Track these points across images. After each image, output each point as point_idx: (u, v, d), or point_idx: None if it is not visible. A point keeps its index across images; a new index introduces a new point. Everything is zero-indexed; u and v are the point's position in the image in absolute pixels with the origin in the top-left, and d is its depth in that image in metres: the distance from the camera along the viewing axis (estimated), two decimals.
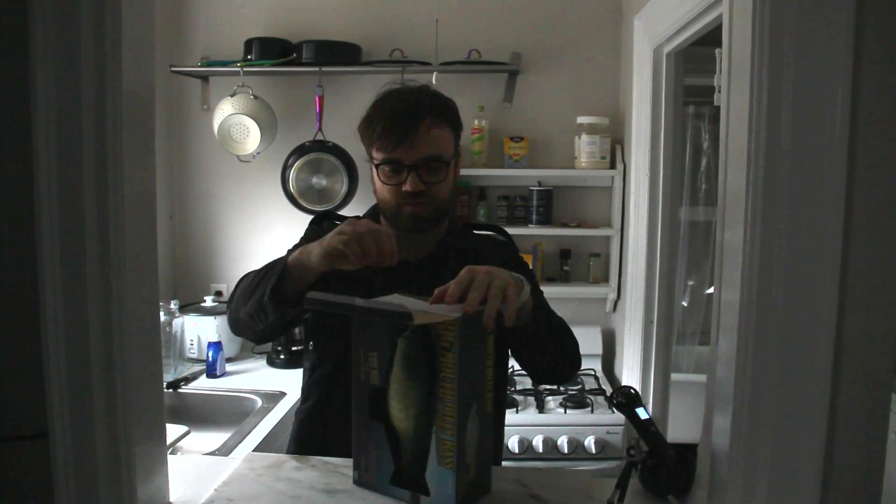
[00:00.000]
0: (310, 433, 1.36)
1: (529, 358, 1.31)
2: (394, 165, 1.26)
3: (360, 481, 1.10)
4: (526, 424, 2.33)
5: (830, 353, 0.89)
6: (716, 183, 2.27)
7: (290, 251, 1.33)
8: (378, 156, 1.28)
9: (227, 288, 2.89)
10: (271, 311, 1.18)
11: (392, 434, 1.04)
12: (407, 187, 1.25)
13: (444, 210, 1.32)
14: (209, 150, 2.84)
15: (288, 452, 1.42)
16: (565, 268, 2.79)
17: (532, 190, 2.73)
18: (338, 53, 2.65)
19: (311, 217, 1.50)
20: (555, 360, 1.32)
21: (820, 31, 0.87)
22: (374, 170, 1.31)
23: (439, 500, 1.01)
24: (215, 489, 1.12)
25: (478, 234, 1.46)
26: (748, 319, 0.92)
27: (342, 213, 1.53)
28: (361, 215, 1.41)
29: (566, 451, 2.31)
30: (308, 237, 1.39)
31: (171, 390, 2.26)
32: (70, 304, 0.93)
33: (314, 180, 2.75)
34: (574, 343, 1.37)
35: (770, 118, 0.88)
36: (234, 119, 2.64)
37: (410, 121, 1.24)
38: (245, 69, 2.64)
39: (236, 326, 1.32)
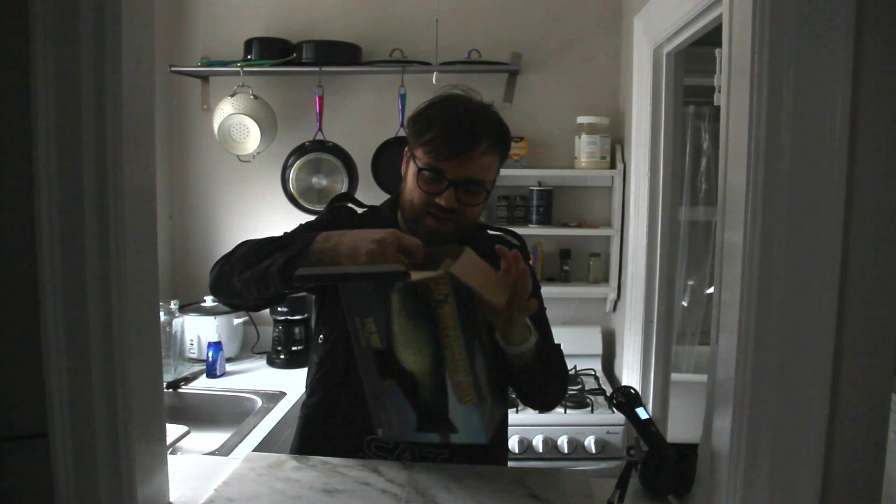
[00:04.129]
0: (315, 427, 1.36)
1: (516, 383, 1.31)
2: (436, 175, 1.23)
3: (389, 434, 1.09)
4: (526, 424, 2.33)
5: (830, 353, 0.89)
6: (716, 183, 2.27)
7: (303, 227, 1.33)
8: (423, 159, 1.24)
9: None
10: (277, 284, 1.11)
11: (408, 386, 1.05)
12: (441, 201, 1.23)
13: (464, 231, 1.29)
14: (209, 150, 2.84)
15: (292, 446, 1.43)
16: (565, 268, 2.79)
17: (532, 190, 2.73)
18: (338, 53, 2.65)
19: (310, 217, 1.49)
20: (540, 392, 1.31)
21: (820, 31, 0.87)
22: (414, 170, 1.26)
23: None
24: (215, 489, 1.12)
25: (493, 235, 1.45)
26: (748, 319, 0.92)
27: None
28: (379, 205, 1.41)
29: (566, 451, 2.31)
30: (324, 220, 1.36)
31: (171, 390, 2.26)
32: (70, 304, 0.93)
33: (314, 180, 2.75)
34: (563, 379, 1.35)
35: (770, 118, 0.88)
36: (234, 119, 2.64)
37: (469, 138, 1.21)
38: (245, 69, 2.64)
39: (221, 287, 1.24)
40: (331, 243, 1.10)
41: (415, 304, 1.01)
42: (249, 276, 1.15)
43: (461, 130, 1.21)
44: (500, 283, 1.08)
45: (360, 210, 1.41)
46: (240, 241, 1.27)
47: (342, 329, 1.30)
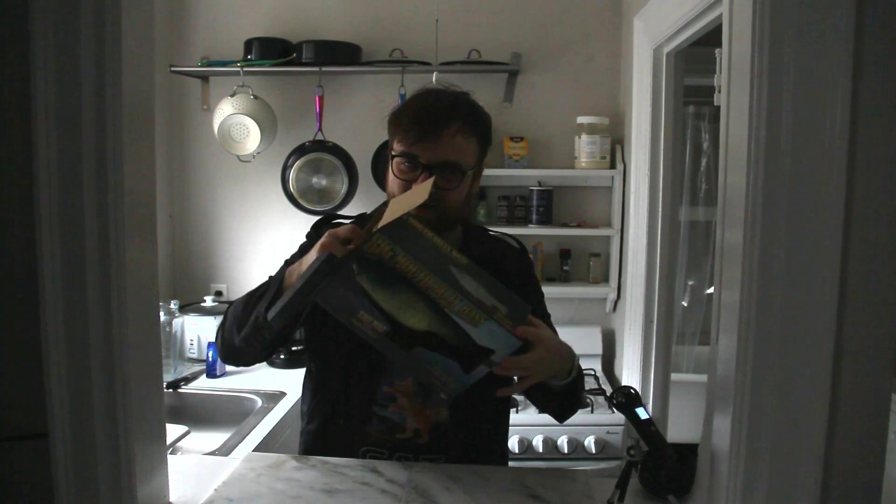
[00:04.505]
0: (317, 451, 1.36)
1: (542, 401, 1.34)
2: (410, 161, 1.23)
3: (451, 391, 1.10)
4: (526, 424, 2.33)
5: (830, 353, 0.89)
6: (716, 183, 2.27)
7: (287, 262, 1.35)
8: (398, 147, 1.25)
9: (228, 288, 2.89)
10: (270, 331, 1.18)
11: (433, 343, 1.06)
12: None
13: (450, 219, 1.28)
14: (209, 150, 2.84)
15: None
16: (565, 268, 2.79)
17: (532, 190, 2.73)
18: (338, 53, 2.65)
19: (310, 217, 1.49)
20: (570, 410, 1.36)
21: (820, 31, 0.87)
22: (391, 161, 1.27)
23: (503, 346, 1.05)
24: (215, 489, 1.12)
25: (493, 237, 1.44)
26: (748, 319, 0.92)
27: (343, 212, 1.51)
28: (369, 212, 1.41)
29: (566, 451, 2.31)
30: (304, 247, 1.38)
31: (171, 390, 2.26)
32: (70, 305, 0.93)
33: (314, 180, 2.75)
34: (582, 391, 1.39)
35: (770, 118, 0.88)
36: (234, 119, 2.64)
37: (439, 120, 1.21)
38: (245, 69, 2.64)
39: (231, 355, 1.32)
40: (294, 273, 1.17)
41: (378, 274, 1.04)
42: (246, 334, 1.21)
43: (431, 113, 1.22)
44: (421, 190, 1.11)
45: (348, 222, 1.41)
46: (229, 304, 1.35)
47: (331, 355, 1.31)
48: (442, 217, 1.25)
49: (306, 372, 1.39)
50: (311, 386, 1.38)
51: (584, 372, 2.69)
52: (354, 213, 1.44)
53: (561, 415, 1.35)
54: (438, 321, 1.05)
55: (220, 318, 2.52)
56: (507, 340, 1.05)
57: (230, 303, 1.35)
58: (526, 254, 1.44)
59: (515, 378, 1.15)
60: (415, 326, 1.06)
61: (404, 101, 1.30)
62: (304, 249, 1.37)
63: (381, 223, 1.04)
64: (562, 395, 1.26)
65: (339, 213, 1.47)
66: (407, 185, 1.23)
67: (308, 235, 1.40)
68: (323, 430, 1.33)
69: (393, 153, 1.26)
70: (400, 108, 1.29)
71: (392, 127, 1.28)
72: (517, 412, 2.36)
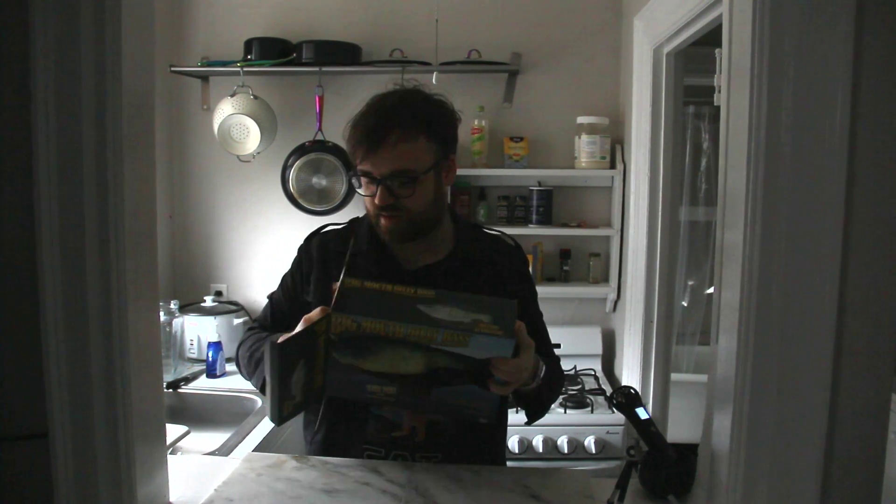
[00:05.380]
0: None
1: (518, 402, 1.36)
2: (367, 177, 1.25)
3: (490, 419, 1.15)
4: (526, 424, 2.33)
5: (830, 353, 0.89)
6: (716, 183, 2.27)
7: (283, 278, 1.41)
8: (356, 165, 1.26)
9: (227, 288, 2.89)
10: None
11: (444, 375, 1.08)
12: (377, 200, 1.24)
13: (423, 222, 1.27)
14: (209, 150, 2.83)
15: None
16: (565, 268, 2.79)
17: (532, 190, 2.73)
18: (338, 53, 2.65)
19: (310, 217, 1.50)
20: (541, 410, 1.38)
21: (820, 31, 0.87)
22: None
23: (497, 351, 1.06)
24: (215, 489, 1.12)
25: (488, 235, 1.43)
26: (748, 319, 0.92)
27: (342, 213, 1.51)
28: (361, 216, 1.41)
29: (566, 451, 2.31)
30: (297, 261, 1.40)
31: (171, 390, 2.26)
32: (70, 305, 0.93)
33: (314, 180, 2.74)
34: (559, 391, 1.43)
35: (770, 118, 0.88)
36: (234, 119, 2.64)
37: (378, 132, 1.21)
38: (245, 69, 2.64)
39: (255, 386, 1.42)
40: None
41: (355, 347, 1.09)
42: (255, 385, 1.34)
43: (371, 127, 1.22)
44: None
45: (340, 227, 1.42)
46: (241, 340, 1.43)
47: None
48: (412, 223, 1.26)
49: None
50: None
51: (584, 372, 2.72)
52: (355, 215, 1.44)
53: (531, 416, 1.36)
54: (433, 357, 1.07)
55: (219, 318, 2.57)
56: (500, 344, 1.05)
57: (240, 344, 1.41)
58: (521, 252, 1.43)
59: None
60: (415, 371, 1.08)
61: (355, 115, 1.29)
62: (297, 264, 1.40)
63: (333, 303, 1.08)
64: (528, 399, 1.30)
65: (330, 222, 1.46)
66: (372, 201, 1.25)
67: (300, 249, 1.42)
68: (329, 438, 1.34)
69: (356, 172, 1.28)
70: (350, 124, 1.28)
71: (347, 145, 1.29)
72: (517, 412, 2.35)
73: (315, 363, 1.10)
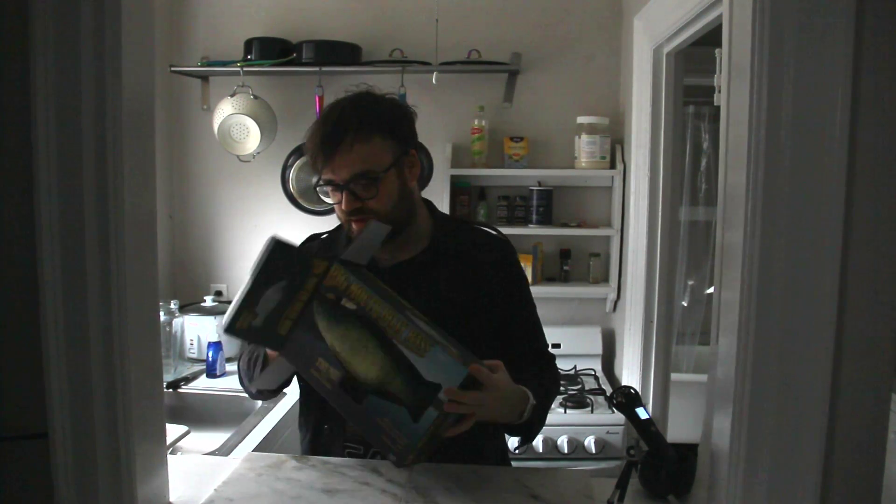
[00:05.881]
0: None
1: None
2: (330, 186, 1.26)
3: (402, 451, 1.07)
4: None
5: (830, 353, 0.89)
6: (716, 183, 2.27)
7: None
8: (321, 175, 1.27)
9: (227, 288, 2.89)
10: (269, 395, 1.40)
11: (384, 391, 1.07)
12: (343, 206, 1.24)
13: (393, 221, 1.25)
14: (209, 150, 2.83)
15: None
16: (565, 268, 2.79)
17: (532, 190, 2.73)
18: (338, 53, 2.65)
19: (310, 217, 1.51)
20: (525, 439, 1.37)
21: (820, 31, 0.87)
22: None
23: (451, 376, 1.04)
24: (215, 489, 1.12)
25: (469, 228, 1.42)
26: (748, 319, 0.92)
27: (337, 216, 1.51)
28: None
29: (566, 451, 2.31)
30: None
31: (171, 390, 2.26)
32: (70, 305, 0.93)
33: (314, 180, 2.74)
34: (553, 397, 1.42)
35: (770, 118, 0.88)
36: (234, 119, 2.64)
37: (332, 140, 1.22)
38: (245, 69, 2.64)
39: (256, 397, 1.49)
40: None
41: (333, 310, 1.10)
42: (255, 393, 1.40)
43: (324, 136, 1.23)
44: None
45: (326, 235, 1.45)
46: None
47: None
48: (387, 222, 1.24)
49: (300, 387, 1.40)
50: (301, 399, 1.41)
51: (584, 372, 2.72)
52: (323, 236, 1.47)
53: (519, 444, 1.36)
54: (389, 369, 1.06)
55: (220, 318, 2.55)
56: (454, 369, 1.04)
57: (240, 357, 1.41)
58: (507, 244, 1.40)
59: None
60: (366, 375, 1.07)
61: (310, 127, 1.30)
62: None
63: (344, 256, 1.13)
64: (513, 431, 1.30)
65: (321, 231, 1.49)
66: (339, 208, 1.27)
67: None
68: (315, 440, 1.35)
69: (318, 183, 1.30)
70: (306, 136, 1.29)
71: (307, 158, 1.30)
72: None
73: (293, 302, 1.11)
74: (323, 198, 1.30)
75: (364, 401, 1.08)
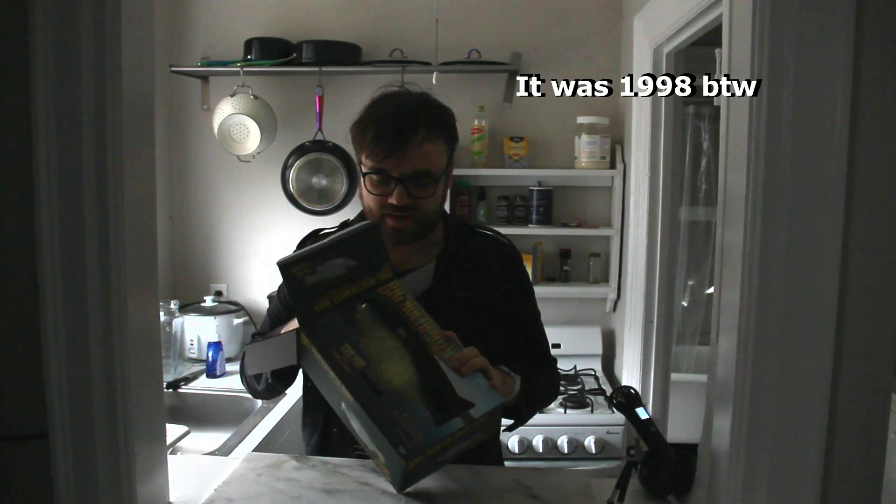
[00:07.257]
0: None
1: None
2: (382, 176, 1.22)
3: (410, 454, 1.00)
4: (526, 424, 2.32)
5: (830, 353, 0.89)
6: (716, 183, 2.27)
7: (279, 286, 1.38)
8: (367, 163, 1.24)
9: (227, 288, 2.89)
10: (279, 388, 1.34)
11: (403, 391, 1.06)
12: (393, 200, 1.22)
13: (428, 225, 1.28)
14: (209, 150, 2.84)
15: None
16: (565, 268, 2.79)
17: (532, 190, 2.73)
18: (338, 53, 2.65)
19: (310, 217, 1.50)
20: (519, 422, 1.40)
21: (820, 31, 0.87)
22: (363, 178, 1.27)
23: (486, 401, 1.05)
24: (215, 489, 1.12)
25: (481, 234, 1.43)
26: (748, 319, 0.92)
27: (341, 213, 1.52)
28: (351, 219, 1.41)
29: (566, 451, 2.31)
30: None
31: (171, 390, 2.26)
32: (70, 305, 0.93)
33: (314, 180, 2.75)
34: (552, 398, 1.45)
35: (770, 118, 0.88)
36: (234, 119, 2.64)
37: (404, 132, 1.20)
38: (245, 69, 2.64)
39: (259, 396, 1.43)
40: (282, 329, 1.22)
41: (380, 317, 1.11)
42: (261, 391, 1.35)
43: (394, 125, 1.21)
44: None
45: (332, 230, 1.41)
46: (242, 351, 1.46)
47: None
48: (419, 225, 1.26)
49: (303, 386, 1.39)
50: (306, 400, 1.40)
51: (584, 372, 2.72)
52: (351, 217, 1.44)
53: (508, 427, 1.38)
54: (413, 385, 1.06)
55: (220, 318, 2.56)
56: (489, 394, 1.06)
57: (243, 355, 1.40)
58: (514, 249, 1.41)
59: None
60: (394, 380, 1.06)
61: (365, 110, 1.27)
62: None
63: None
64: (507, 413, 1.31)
65: (324, 226, 1.46)
66: (382, 201, 1.24)
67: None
68: (322, 441, 1.35)
69: (365, 170, 1.25)
70: (362, 120, 1.26)
71: (357, 141, 1.27)
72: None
73: (343, 286, 1.11)
74: (366, 186, 1.27)
75: (384, 393, 1.05)
